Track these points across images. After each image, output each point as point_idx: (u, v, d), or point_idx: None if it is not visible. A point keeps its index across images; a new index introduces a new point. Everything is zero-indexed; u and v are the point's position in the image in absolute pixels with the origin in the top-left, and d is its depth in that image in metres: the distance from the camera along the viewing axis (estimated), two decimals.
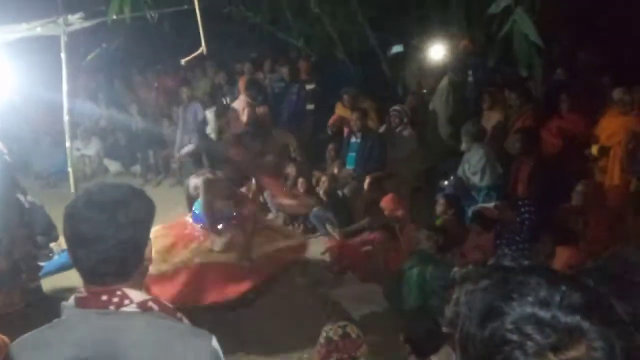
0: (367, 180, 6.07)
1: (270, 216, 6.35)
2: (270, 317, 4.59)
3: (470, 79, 6.75)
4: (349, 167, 6.51)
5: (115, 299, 1.31)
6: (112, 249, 1.29)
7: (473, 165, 5.48)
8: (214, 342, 1.36)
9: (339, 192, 6.23)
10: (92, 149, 9.18)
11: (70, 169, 5.75)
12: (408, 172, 6.08)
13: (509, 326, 0.70)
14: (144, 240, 1.37)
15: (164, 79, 10.28)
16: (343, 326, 2.89)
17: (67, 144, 5.84)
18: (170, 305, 1.44)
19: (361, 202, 6.06)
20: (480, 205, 5.29)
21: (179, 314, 1.44)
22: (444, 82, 6.71)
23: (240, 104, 7.42)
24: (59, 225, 6.12)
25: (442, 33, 6.89)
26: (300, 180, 6.43)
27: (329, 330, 2.85)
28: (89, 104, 9.46)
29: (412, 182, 6.11)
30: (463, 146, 5.74)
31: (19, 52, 5.99)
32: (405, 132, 6.25)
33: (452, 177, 5.66)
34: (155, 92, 10.07)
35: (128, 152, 9.27)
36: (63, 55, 5.48)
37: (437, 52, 7.03)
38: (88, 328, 1.30)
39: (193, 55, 3.63)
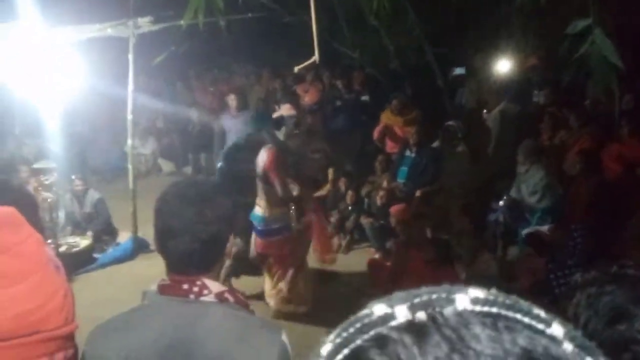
0: (417, 194, 6.03)
1: None
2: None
3: (535, 99, 6.63)
4: (400, 180, 6.49)
5: (196, 289, 1.37)
6: (197, 243, 1.36)
7: (532, 185, 5.35)
8: (284, 336, 1.40)
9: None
10: (148, 148, 9.50)
11: (130, 166, 5.95)
12: (459, 189, 6.00)
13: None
14: (227, 235, 1.43)
15: (219, 84, 10.54)
16: None
17: (129, 141, 6.04)
18: (243, 298, 1.50)
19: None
20: (534, 227, 5.17)
21: (251, 307, 1.51)
22: (497, 109, 6.63)
23: (285, 111, 7.40)
24: (116, 219, 6.36)
25: (505, 51, 6.81)
26: (350, 193, 6.44)
27: None
28: (149, 104, 9.78)
29: (462, 199, 6.02)
30: (520, 166, 5.63)
31: (87, 51, 6.27)
32: (459, 149, 6.20)
33: (505, 197, 5.54)
34: (210, 97, 10.33)
35: (182, 153, 9.55)
36: (130, 56, 5.71)
37: (500, 69, 6.96)
38: (169, 314, 1.36)
39: (306, 63, 3.68)
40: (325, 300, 5.10)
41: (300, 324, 4.53)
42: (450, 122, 6.39)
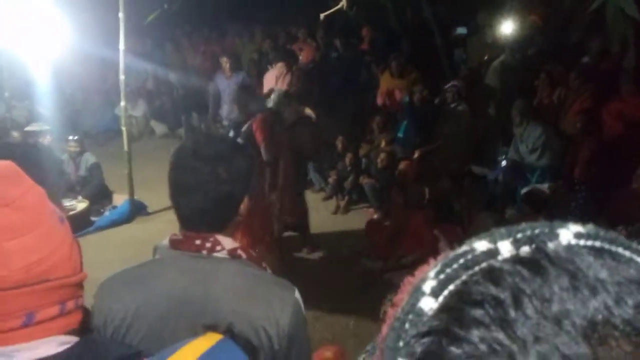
0: (416, 154, 5.99)
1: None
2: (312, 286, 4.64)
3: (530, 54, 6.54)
4: (399, 135, 6.45)
5: (208, 244, 1.33)
6: (210, 201, 1.32)
7: (532, 143, 5.33)
8: (297, 294, 1.38)
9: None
10: (139, 110, 9.33)
11: (124, 128, 5.85)
12: (459, 147, 5.96)
13: None
14: (241, 196, 1.38)
15: (210, 44, 10.31)
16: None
17: (122, 103, 5.91)
18: (255, 254, 1.46)
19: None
20: (533, 185, 5.17)
21: (263, 264, 1.47)
22: (498, 60, 6.54)
23: (277, 70, 7.29)
24: (111, 181, 6.29)
25: (508, 9, 6.66)
26: (349, 154, 6.39)
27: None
28: (138, 66, 9.57)
29: (461, 158, 5.99)
30: (516, 126, 5.59)
31: (75, 10, 6.07)
32: (460, 108, 6.13)
33: (504, 156, 5.53)
34: (201, 57, 10.12)
35: (173, 115, 9.39)
36: (121, 15, 5.53)
37: (502, 28, 6.82)
38: (181, 268, 1.33)
39: (333, 10, 3.54)
40: (325, 262, 5.12)
41: (300, 285, 4.55)
42: (453, 82, 6.29)
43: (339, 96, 7.47)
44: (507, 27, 6.80)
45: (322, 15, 4.20)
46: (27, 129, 6.13)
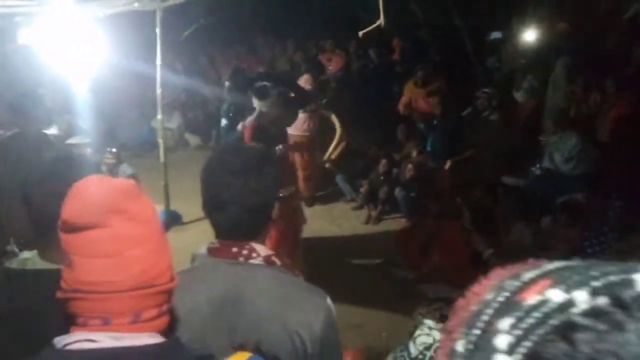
0: (448, 164, 5.97)
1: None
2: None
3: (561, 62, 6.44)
4: (429, 149, 6.43)
5: (245, 252, 1.39)
6: (244, 212, 1.37)
7: (567, 152, 5.24)
8: (329, 300, 1.42)
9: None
10: (174, 122, 9.54)
11: (160, 140, 6.00)
12: (492, 156, 5.90)
13: None
14: (273, 203, 1.43)
15: (242, 58, 10.50)
16: (439, 308, 2.78)
17: (158, 116, 6.07)
18: (288, 262, 1.50)
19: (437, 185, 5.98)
20: (569, 195, 5.06)
21: (296, 271, 1.51)
22: (562, 62, 6.38)
23: (303, 82, 7.29)
24: (147, 192, 6.48)
25: (538, 18, 6.60)
26: (383, 162, 6.40)
27: (426, 315, 2.75)
28: (173, 79, 9.81)
29: (494, 166, 5.93)
30: (548, 133, 5.52)
31: (115, 27, 6.27)
32: (492, 117, 6.07)
33: (538, 165, 5.45)
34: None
35: (206, 127, 9.59)
36: (158, 30, 5.70)
37: (534, 36, 6.75)
38: (219, 275, 1.38)
39: (371, 27, 3.59)
40: (356, 271, 5.12)
41: (331, 293, 4.56)
42: (484, 90, 6.24)
43: (371, 106, 7.50)
44: (537, 34, 6.72)
45: (360, 34, 4.20)
46: (68, 142, 6.34)
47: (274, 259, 1.42)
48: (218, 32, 10.25)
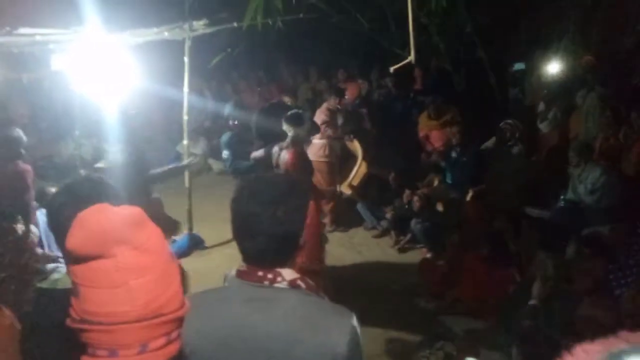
0: (469, 194, 5.94)
1: None
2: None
3: (579, 100, 6.42)
4: (448, 181, 6.43)
5: (270, 276, 1.43)
6: (272, 242, 1.41)
7: (591, 184, 5.18)
8: (354, 320, 1.44)
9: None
10: (199, 148, 9.70)
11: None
12: (514, 188, 5.86)
13: None
14: (300, 231, 1.47)
15: (266, 85, 10.69)
16: (441, 346, 2.75)
17: (184, 141, 6.20)
18: (314, 284, 1.53)
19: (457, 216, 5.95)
20: (594, 228, 5.00)
21: (321, 293, 1.54)
22: (596, 92, 6.30)
23: (322, 110, 7.34)
24: (172, 215, 6.50)
25: (562, 50, 6.62)
26: (407, 192, 6.40)
27: (431, 355, 2.73)
28: (198, 105, 10.00)
29: (518, 198, 5.88)
30: (572, 167, 5.46)
31: (144, 54, 6.46)
32: (515, 149, 6.03)
33: (562, 197, 5.39)
34: (257, 97, 10.48)
35: None
36: (186, 59, 5.86)
37: (557, 67, 6.76)
38: (244, 296, 1.43)
39: (401, 63, 3.68)
40: (377, 299, 5.09)
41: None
42: (508, 121, 6.21)
43: (391, 134, 7.55)
44: (561, 66, 6.72)
45: (391, 69, 4.32)
46: (96, 165, 6.49)
47: (299, 282, 1.45)
48: (243, 60, 10.47)
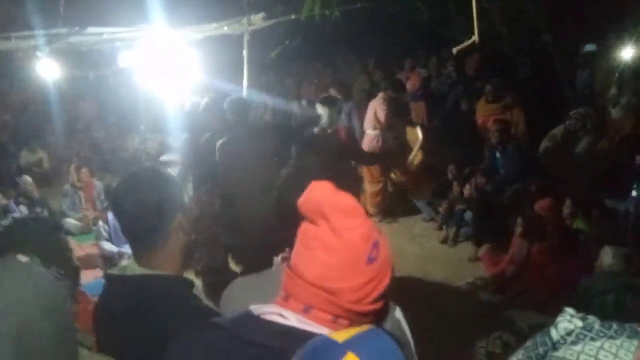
0: (532, 187, 5.71)
1: None
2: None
3: None
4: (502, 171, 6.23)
5: None
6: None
7: None
8: (398, 312, 1.42)
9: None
10: None
11: None
12: (585, 178, 5.56)
13: None
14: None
15: (323, 76, 10.68)
16: (499, 336, 2.69)
17: None
18: None
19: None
20: None
21: None
22: None
23: (377, 100, 7.04)
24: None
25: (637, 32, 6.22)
26: (455, 183, 6.28)
27: (488, 344, 2.68)
28: (258, 99, 10.14)
29: (590, 188, 5.59)
30: None
31: (205, 49, 6.59)
32: (586, 137, 5.71)
33: (636, 187, 5.08)
34: (314, 88, 10.49)
35: None
36: (245, 52, 5.94)
37: (632, 49, 6.36)
38: None
39: (465, 44, 3.63)
40: (438, 292, 5.02)
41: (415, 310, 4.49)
42: (578, 110, 5.88)
43: (451, 122, 7.37)
44: (637, 47, 6.32)
45: (454, 50, 4.25)
46: (161, 159, 6.72)
47: None
48: (301, 53, 10.51)
